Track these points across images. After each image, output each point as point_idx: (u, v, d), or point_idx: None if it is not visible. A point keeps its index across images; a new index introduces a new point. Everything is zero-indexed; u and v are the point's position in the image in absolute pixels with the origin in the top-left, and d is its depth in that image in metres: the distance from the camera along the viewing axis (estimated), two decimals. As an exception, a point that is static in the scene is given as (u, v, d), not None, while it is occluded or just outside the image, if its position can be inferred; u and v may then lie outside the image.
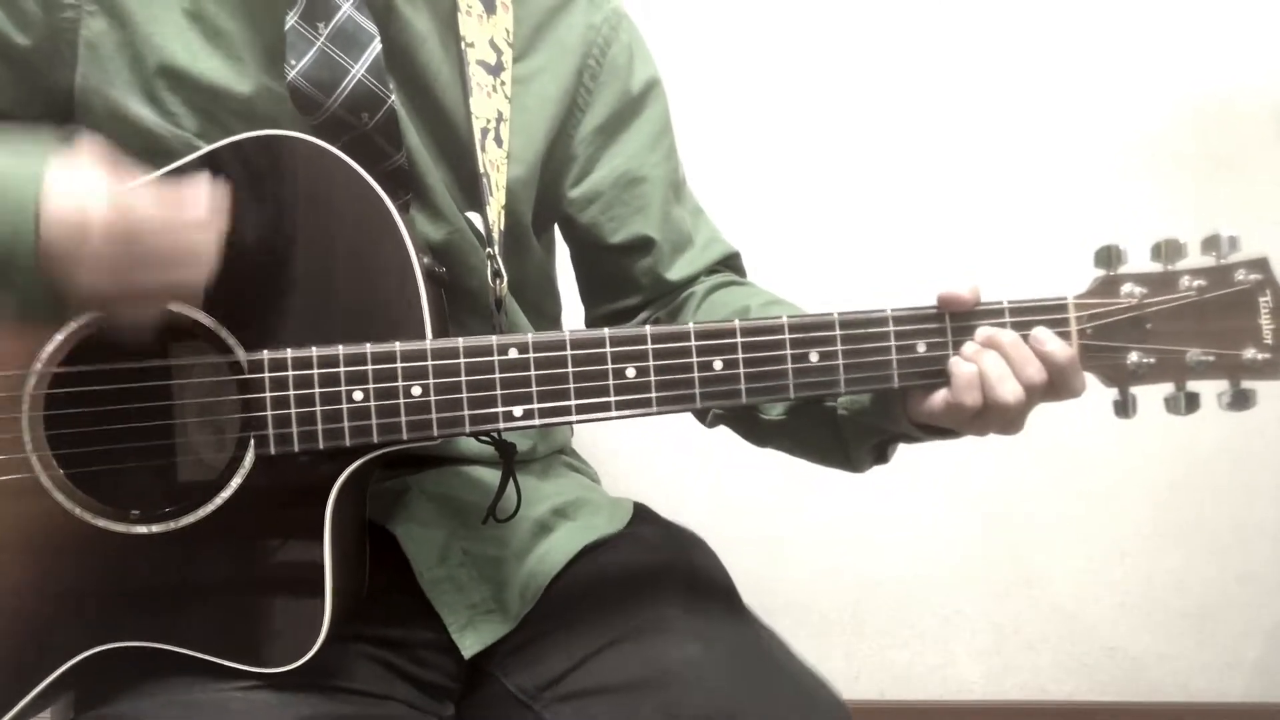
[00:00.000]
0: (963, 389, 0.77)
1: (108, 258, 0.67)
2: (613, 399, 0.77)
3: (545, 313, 1.04)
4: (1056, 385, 0.78)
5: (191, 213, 0.69)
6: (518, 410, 0.76)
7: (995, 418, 0.78)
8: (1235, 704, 1.76)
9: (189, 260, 0.69)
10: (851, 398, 0.86)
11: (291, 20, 0.81)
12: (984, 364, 0.77)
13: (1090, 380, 0.79)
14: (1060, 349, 0.77)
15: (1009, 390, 0.76)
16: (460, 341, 0.76)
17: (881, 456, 0.91)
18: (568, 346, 0.77)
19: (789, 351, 0.78)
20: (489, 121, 0.89)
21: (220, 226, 0.71)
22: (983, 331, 0.78)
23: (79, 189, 0.67)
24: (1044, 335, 0.78)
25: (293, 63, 0.80)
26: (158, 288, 0.70)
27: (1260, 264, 0.77)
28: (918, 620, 1.79)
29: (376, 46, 0.82)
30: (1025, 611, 1.77)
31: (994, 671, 1.79)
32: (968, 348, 0.78)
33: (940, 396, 0.79)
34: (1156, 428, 1.62)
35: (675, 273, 1.00)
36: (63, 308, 0.71)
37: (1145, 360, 0.78)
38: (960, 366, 0.78)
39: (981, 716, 1.78)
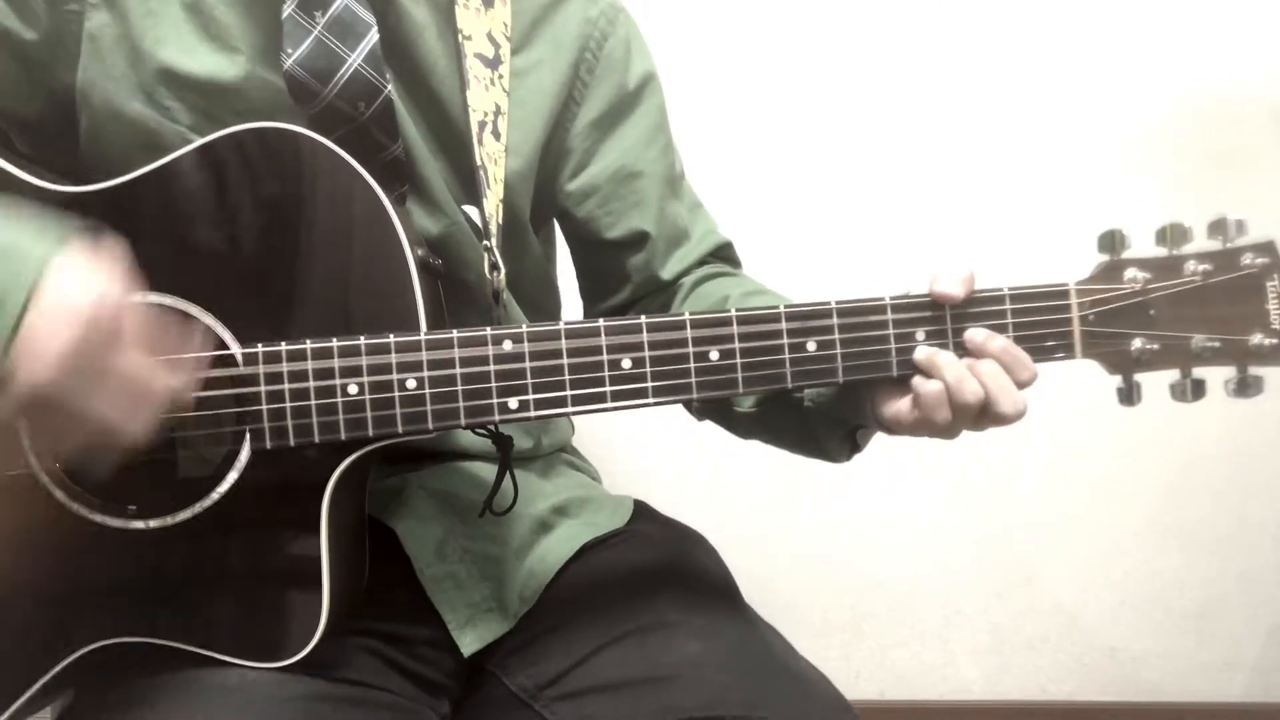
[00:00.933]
0: (932, 407, 0.76)
1: (84, 347, 0.62)
2: (609, 389, 0.76)
3: (543, 309, 1.03)
4: (1008, 369, 0.77)
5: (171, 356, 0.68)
6: (513, 402, 0.75)
7: (963, 423, 0.77)
8: (1235, 704, 1.75)
9: (147, 394, 0.67)
10: (818, 390, 0.85)
11: (289, 9, 0.80)
12: (947, 377, 0.76)
13: (1093, 369, 0.78)
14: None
15: (970, 391, 0.75)
16: (455, 333, 0.75)
17: (855, 446, 0.90)
18: (563, 337, 0.76)
19: (786, 341, 0.77)
20: (486, 115, 0.89)
21: (185, 401, 0.70)
22: (922, 352, 0.77)
23: (84, 279, 0.64)
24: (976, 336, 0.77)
25: (289, 51, 0.79)
26: (118, 395, 0.65)
27: (1268, 248, 0.75)
28: (918, 620, 1.78)
29: (374, 36, 0.81)
30: (1025, 611, 1.77)
31: (994, 671, 1.78)
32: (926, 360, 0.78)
33: (907, 410, 0.78)
34: (1157, 427, 1.63)
35: (668, 270, 1.00)
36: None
37: (1149, 346, 0.77)
38: (925, 385, 0.77)
39: (981, 716, 1.77)
